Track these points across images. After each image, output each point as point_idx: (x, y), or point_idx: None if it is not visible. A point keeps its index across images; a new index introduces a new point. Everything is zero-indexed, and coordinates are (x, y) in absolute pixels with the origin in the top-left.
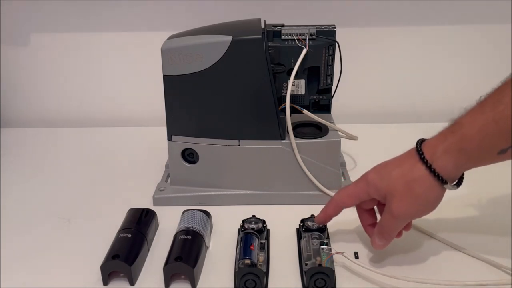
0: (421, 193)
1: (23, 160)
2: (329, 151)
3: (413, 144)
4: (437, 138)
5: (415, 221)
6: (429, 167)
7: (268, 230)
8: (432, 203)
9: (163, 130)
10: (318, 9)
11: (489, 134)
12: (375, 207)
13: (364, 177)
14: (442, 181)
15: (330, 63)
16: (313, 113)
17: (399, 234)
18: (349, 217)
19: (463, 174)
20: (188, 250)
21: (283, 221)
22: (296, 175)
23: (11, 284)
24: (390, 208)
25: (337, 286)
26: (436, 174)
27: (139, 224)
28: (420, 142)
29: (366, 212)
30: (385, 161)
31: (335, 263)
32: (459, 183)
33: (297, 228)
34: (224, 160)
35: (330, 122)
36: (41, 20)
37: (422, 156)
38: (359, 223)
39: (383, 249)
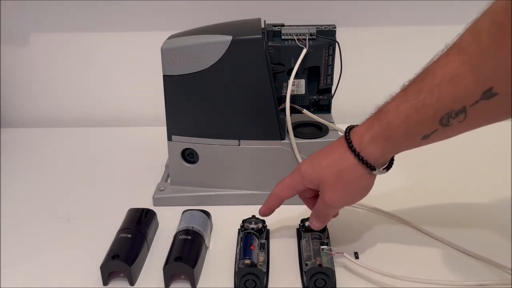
0: (351, 181)
1: (23, 160)
2: None
3: None
4: (364, 126)
5: (415, 221)
6: (357, 155)
7: (268, 230)
8: (363, 190)
9: (163, 130)
10: (318, 9)
11: (413, 122)
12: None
13: (298, 168)
14: (371, 168)
15: (330, 63)
16: (313, 113)
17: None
18: (349, 217)
19: (392, 158)
20: (188, 250)
21: (283, 221)
22: None
23: (11, 284)
24: (323, 196)
25: (337, 286)
26: (365, 162)
27: (139, 224)
28: (349, 129)
29: (310, 199)
30: (317, 151)
31: (335, 263)
32: (388, 167)
33: (297, 228)
34: (224, 160)
35: (330, 122)
36: (41, 20)
37: (351, 145)
38: (359, 223)
39: (320, 229)
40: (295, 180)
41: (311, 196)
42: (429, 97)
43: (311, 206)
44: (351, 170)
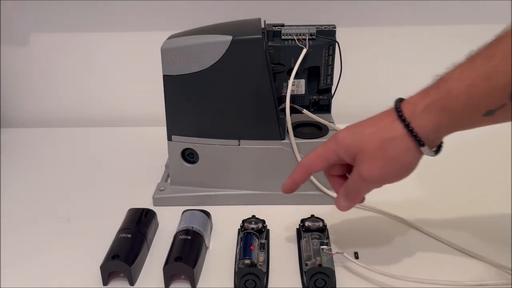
0: (395, 155)
1: (23, 160)
2: None
3: None
4: (418, 95)
5: (415, 221)
6: (406, 125)
7: (268, 230)
8: (406, 168)
9: (163, 130)
10: (318, 9)
11: (478, 92)
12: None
13: (334, 136)
14: (419, 142)
15: (330, 63)
16: (313, 113)
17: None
18: (349, 217)
19: (442, 142)
20: (188, 250)
21: (283, 221)
22: None
23: (11, 284)
24: (359, 169)
25: (337, 286)
26: (414, 134)
27: (139, 224)
28: (400, 100)
29: (337, 178)
30: (359, 121)
31: (335, 263)
32: (437, 150)
33: (297, 228)
34: (224, 160)
35: (330, 122)
36: (41, 20)
37: (400, 114)
38: (359, 223)
39: (347, 210)
40: (329, 149)
41: (339, 174)
42: (503, 63)
43: (336, 186)
44: (397, 142)
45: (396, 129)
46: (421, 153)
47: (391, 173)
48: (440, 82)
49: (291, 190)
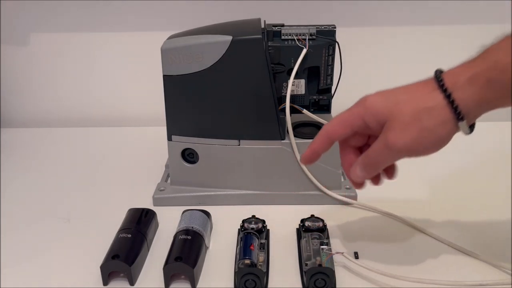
0: (430, 127)
1: (23, 160)
2: (329, 151)
3: None
4: (462, 65)
5: (415, 221)
6: (448, 96)
7: (268, 230)
8: (438, 142)
9: (163, 130)
10: (318, 9)
11: None
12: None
13: (362, 101)
14: (459, 116)
15: (330, 63)
16: (313, 113)
17: (391, 174)
18: (349, 217)
19: (475, 122)
20: (188, 250)
21: (283, 221)
22: (296, 175)
23: (11, 284)
24: (387, 137)
25: (337, 286)
26: (455, 106)
27: (139, 224)
28: (440, 71)
29: (351, 151)
30: (389, 89)
31: (335, 263)
32: (472, 128)
33: (297, 228)
34: (224, 160)
35: None
36: (41, 20)
37: (441, 83)
38: (359, 223)
39: (359, 181)
40: (355, 115)
41: (358, 146)
42: None
43: (347, 161)
44: (434, 113)
45: (435, 99)
46: (457, 129)
47: (421, 145)
48: (486, 53)
49: (311, 160)
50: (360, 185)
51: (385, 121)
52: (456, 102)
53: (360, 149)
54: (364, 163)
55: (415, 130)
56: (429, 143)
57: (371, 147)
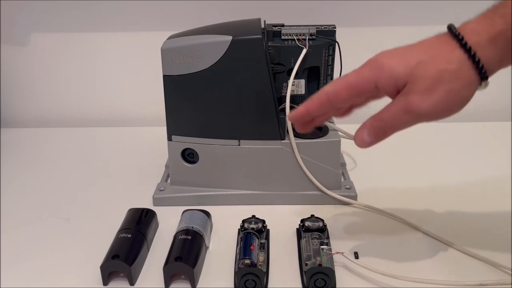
0: (455, 88)
1: (23, 160)
2: (329, 151)
3: (412, 144)
4: (480, 21)
5: (416, 221)
6: (472, 56)
7: (268, 230)
8: (463, 103)
9: (163, 130)
10: (318, 9)
11: None
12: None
13: (373, 63)
14: (483, 76)
15: (330, 63)
16: None
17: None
18: (349, 217)
19: None
20: (188, 250)
21: (283, 221)
22: (296, 175)
23: (11, 284)
24: (409, 100)
25: (337, 286)
26: (480, 66)
27: (139, 224)
28: (453, 27)
29: (339, 110)
30: (398, 48)
31: (335, 263)
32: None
33: (297, 228)
34: (224, 160)
35: (330, 122)
36: (41, 20)
37: (464, 42)
38: (359, 223)
39: (364, 147)
40: (366, 79)
41: (353, 106)
42: None
43: (338, 115)
44: (459, 74)
45: (459, 59)
46: (476, 89)
47: (445, 108)
48: (504, 7)
49: (299, 119)
50: (369, 145)
51: (405, 84)
52: (481, 62)
53: (349, 110)
54: (374, 127)
55: (440, 92)
56: (453, 106)
57: (385, 111)
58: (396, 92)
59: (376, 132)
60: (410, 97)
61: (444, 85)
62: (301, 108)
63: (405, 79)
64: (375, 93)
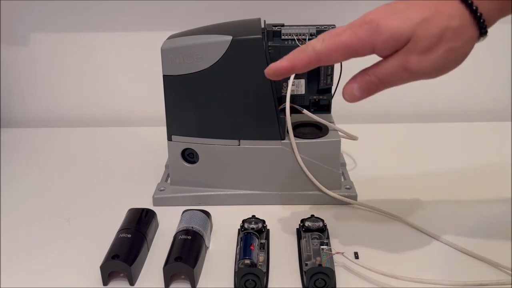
0: (458, 46)
1: (23, 160)
2: (329, 151)
3: (412, 144)
4: None
5: (416, 221)
6: (474, 12)
7: (268, 230)
8: (462, 60)
9: (163, 130)
10: (318, 9)
11: None
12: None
13: (370, 23)
14: (483, 31)
15: None
16: (313, 113)
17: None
18: (349, 217)
19: None
20: (188, 250)
21: (283, 221)
22: (296, 175)
23: (11, 284)
24: (408, 59)
25: (337, 286)
26: (481, 21)
27: (139, 224)
28: None
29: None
30: (397, 1)
31: (335, 263)
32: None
33: (297, 228)
34: (224, 160)
35: (330, 122)
36: (41, 20)
37: None
38: (359, 223)
39: (352, 101)
40: (363, 41)
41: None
42: None
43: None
44: (461, 31)
45: (460, 15)
46: (474, 44)
47: (444, 66)
48: None
49: (280, 74)
50: (359, 99)
51: (407, 42)
52: (482, 17)
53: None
54: (367, 82)
55: (440, 51)
56: (451, 64)
57: (380, 66)
58: (393, 52)
59: (368, 86)
60: (410, 56)
61: (445, 44)
62: (284, 63)
63: (408, 37)
64: (371, 53)
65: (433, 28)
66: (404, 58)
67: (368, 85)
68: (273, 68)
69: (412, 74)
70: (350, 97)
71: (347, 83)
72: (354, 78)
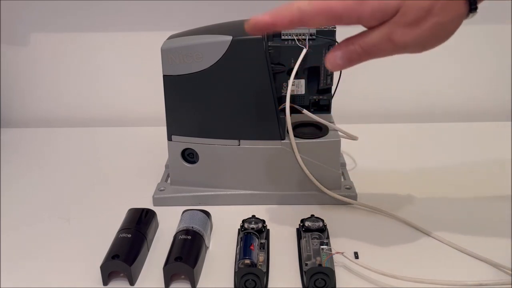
0: (445, 21)
1: (23, 160)
2: (329, 151)
3: (413, 144)
4: None
5: (416, 221)
6: None
7: (268, 230)
8: (447, 36)
9: (163, 130)
10: None
11: None
12: None
13: None
14: (472, 7)
15: None
16: (313, 113)
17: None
18: (349, 217)
19: None
20: (188, 250)
21: (283, 221)
22: (296, 175)
23: (11, 284)
24: (394, 31)
25: (337, 286)
26: None
27: (139, 224)
28: None
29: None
30: None
31: (335, 263)
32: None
33: (297, 228)
34: (224, 160)
35: (330, 122)
36: (41, 20)
37: None
38: (359, 223)
39: (334, 70)
40: (349, 11)
41: None
42: None
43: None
44: (449, 6)
45: None
46: (462, 21)
47: (428, 41)
48: None
49: (261, 29)
50: (341, 68)
51: (395, 13)
52: None
53: None
54: (350, 51)
55: (427, 25)
56: (437, 39)
57: (365, 36)
58: (379, 23)
59: (350, 56)
60: (396, 29)
61: (433, 18)
62: (267, 18)
63: (396, 9)
64: (356, 23)
65: (422, 0)
66: (389, 30)
67: (350, 54)
68: (254, 22)
69: (396, 46)
70: (332, 66)
71: (330, 51)
72: (338, 46)
